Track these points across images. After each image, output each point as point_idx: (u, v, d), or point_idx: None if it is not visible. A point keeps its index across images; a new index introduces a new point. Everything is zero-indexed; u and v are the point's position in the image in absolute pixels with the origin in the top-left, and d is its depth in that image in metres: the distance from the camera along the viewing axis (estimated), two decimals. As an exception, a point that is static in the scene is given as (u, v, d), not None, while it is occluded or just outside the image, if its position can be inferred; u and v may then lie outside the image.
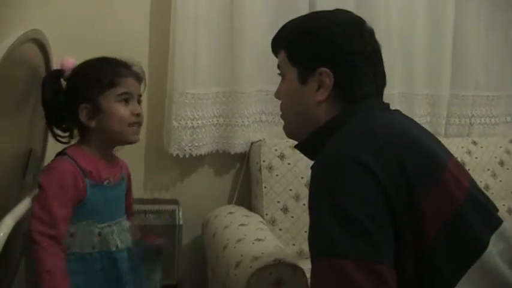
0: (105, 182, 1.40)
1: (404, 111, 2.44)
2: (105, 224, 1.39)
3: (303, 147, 1.31)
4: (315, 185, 1.10)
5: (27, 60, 1.44)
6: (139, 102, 1.44)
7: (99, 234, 1.38)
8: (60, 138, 1.47)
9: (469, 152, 2.44)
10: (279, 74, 1.33)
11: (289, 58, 1.27)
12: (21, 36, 1.25)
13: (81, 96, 1.38)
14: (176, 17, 2.10)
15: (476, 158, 2.45)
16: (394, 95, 2.40)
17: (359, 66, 1.21)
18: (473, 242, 1.07)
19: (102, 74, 1.39)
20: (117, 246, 1.41)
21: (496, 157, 2.48)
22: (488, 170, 2.44)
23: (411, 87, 2.48)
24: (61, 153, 1.40)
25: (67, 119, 1.43)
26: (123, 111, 1.38)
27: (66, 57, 1.45)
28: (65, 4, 2.10)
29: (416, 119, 2.46)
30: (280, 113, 1.33)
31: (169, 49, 2.14)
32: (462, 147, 2.45)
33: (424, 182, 1.06)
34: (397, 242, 1.03)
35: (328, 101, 1.22)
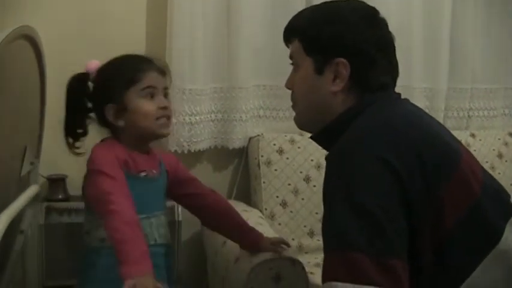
0: (142, 174, 1.38)
1: (403, 104, 2.46)
2: (143, 216, 1.34)
3: (318, 138, 1.29)
4: (331, 177, 1.09)
5: (19, 57, 1.43)
6: (166, 95, 1.41)
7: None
8: (71, 145, 1.44)
9: (468, 145, 2.44)
10: (292, 64, 1.30)
11: (304, 48, 1.25)
12: (12, 33, 1.23)
13: (106, 96, 1.37)
14: (173, 13, 2.10)
15: (474, 150, 2.44)
16: (392, 89, 2.39)
17: (376, 56, 1.21)
18: (490, 230, 1.07)
19: (123, 72, 1.37)
20: (155, 240, 1.37)
21: (494, 150, 2.48)
22: (487, 162, 2.44)
23: (409, 80, 2.47)
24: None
25: (97, 121, 1.42)
26: (148, 106, 1.35)
27: (93, 60, 1.44)
28: (60, 1, 2.09)
29: (415, 112, 2.48)
30: (291, 103, 1.31)
31: (166, 45, 2.13)
32: (460, 140, 2.44)
33: (442, 172, 1.06)
34: (413, 234, 1.02)
35: (344, 92, 1.20)
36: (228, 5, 2.19)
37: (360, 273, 0.95)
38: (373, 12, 1.26)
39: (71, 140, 1.43)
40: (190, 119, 2.16)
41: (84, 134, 1.44)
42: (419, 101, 2.51)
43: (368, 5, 1.27)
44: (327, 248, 1.03)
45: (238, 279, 1.50)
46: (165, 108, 1.38)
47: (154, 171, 1.41)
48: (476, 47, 2.59)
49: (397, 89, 2.44)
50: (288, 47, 1.31)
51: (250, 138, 2.27)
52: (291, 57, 1.30)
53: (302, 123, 1.32)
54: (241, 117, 2.23)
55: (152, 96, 1.37)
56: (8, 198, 1.35)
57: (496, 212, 1.09)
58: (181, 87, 2.13)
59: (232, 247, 1.62)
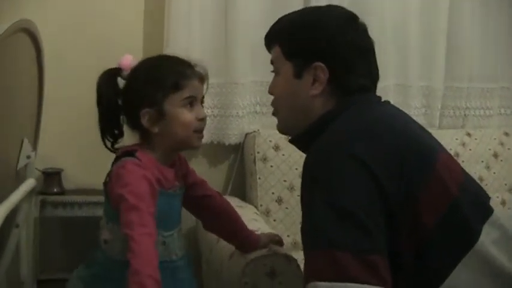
0: (170, 190, 1.30)
1: (399, 103, 2.49)
2: (170, 233, 1.30)
3: (297, 141, 1.31)
4: (308, 178, 1.10)
5: (18, 50, 1.43)
6: (202, 103, 1.32)
7: (164, 243, 1.28)
8: (110, 146, 1.32)
9: (463, 144, 2.45)
10: (273, 71, 1.32)
11: (284, 53, 1.27)
12: (11, 26, 1.23)
13: (143, 99, 1.25)
14: (170, 8, 2.10)
15: (470, 149, 2.45)
16: (388, 87, 2.39)
17: (354, 60, 1.22)
18: (467, 232, 1.08)
19: (167, 75, 1.26)
20: (176, 254, 1.31)
21: (490, 149, 2.49)
22: (482, 161, 2.45)
23: (406, 79, 2.48)
24: (128, 155, 1.25)
25: (127, 122, 1.31)
26: (189, 116, 1.26)
27: (126, 55, 1.32)
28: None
29: (411, 111, 2.49)
30: (272, 109, 1.33)
31: (163, 40, 2.13)
32: (456, 139, 2.45)
33: (419, 174, 1.07)
34: (393, 235, 1.03)
35: (323, 95, 1.22)
36: (226, 1, 2.19)
37: (343, 271, 0.97)
38: (352, 17, 1.27)
39: (108, 143, 1.31)
40: (186, 114, 2.16)
41: (121, 134, 1.32)
42: (416, 100, 2.52)
43: (347, 11, 1.30)
44: (308, 249, 1.04)
45: (232, 275, 1.50)
46: (203, 119, 1.30)
47: (177, 183, 1.34)
48: (473, 46, 2.59)
49: (393, 88, 2.48)
50: (270, 52, 1.33)
51: (246, 134, 2.27)
52: (272, 62, 1.32)
53: (285, 128, 1.33)
54: (237, 113, 2.23)
55: (192, 105, 1.28)
56: (4, 191, 1.35)
57: (474, 214, 1.10)
58: (178, 83, 2.12)
59: (226, 243, 1.62)
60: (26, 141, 1.53)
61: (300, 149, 1.32)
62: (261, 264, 1.45)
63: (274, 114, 1.34)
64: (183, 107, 1.26)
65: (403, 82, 2.48)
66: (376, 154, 1.05)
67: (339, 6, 1.33)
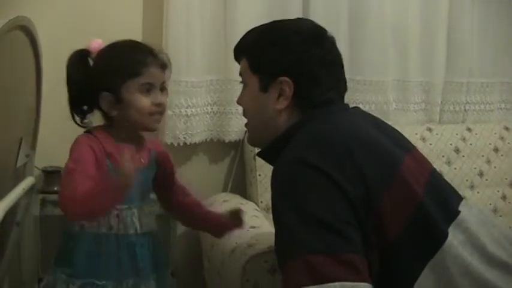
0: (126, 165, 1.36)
1: (399, 98, 2.49)
2: (125, 206, 1.36)
3: (264, 155, 1.34)
4: (276, 190, 1.13)
5: (15, 48, 1.42)
6: (163, 89, 1.39)
7: (117, 215, 1.35)
8: (80, 122, 1.41)
9: (464, 139, 2.44)
10: (241, 82, 1.36)
11: (250, 66, 1.30)
12: (7, 24, 1.23)
13: (103, 84, 1.34)
14: (169, 5, 2.09)
15: (470, 144, 2.45)
16: (388, 82, 2.39)
17: (318, 75, 1.24)
18: (434, 234, 1.09)
19: (126, 63, 1.35)
20: (136, 229, 1.38)
21: (490, 144, 2.48)
22: (483, 156, 2.45)
23: (405, 74, 2.47)
24: (86, 132, 1.37)
25: (88, 103, 1.39)
26: (144, 101, 1.34)
27: (96, 39, 1.40)
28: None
29: (411, 106, 2.49)
30: (246, 121, 1.37)
31: (163, 37, 2.12)
32: (457, 134, 2.45)
33: (380, 182, 1.08)
34: (362, 237, 1.04)
35: (289, 109, 1.25)
36: (225, -2, 2.18)
37: (322, 273, 0.97)
38: (318, 31, 1.30)
39: (78, 118, 1.40)
40: (186, 111, 2.16)
41: (91, 110, 1.41)
42: (416, 95, 2.52)
43: (315, 25, 1.32)
44: (284, 259, 1.05)
45: (234, 271, 1.50)
46: (159, 104, 1.36)
47: (142, 161, 1.40)
48: (473, 41, 2.59)
49: (393, 83, 2.47)
50: (238, 64, 1.36)
51: (246, 131, 2.27)
52: (240, 74, 1.35)
53: (253, 140, 1.39)
54: (237, 110, 2.23)
55: (149, 91, 1.35)
56: (3, 190, 1.35)
57: (440, 215, 1.11)
58: (177, 80, 2.12)
59: (227, 239, 1.62)
60: (24, 139, 1.52)
61: (268, 162, 1.35)
62: (262, 261, 1.46)
63: (245, 125, 1.38)
64: (139, 92, 1.33)
65: (403, 78, 2.47)
66: (335, 163, 1.07)
67: (307, 20, 1.36)
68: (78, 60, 1.39)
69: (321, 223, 1.01)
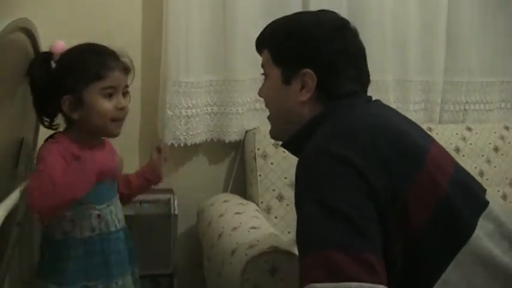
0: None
1: (399, 97, 2.48)
2: (104, 205, 1.39)
3: (288, 146, 1.33)
4: (300, 180, 1.11)
5: (16, 49, 1.43)
6: (125, 93, 1.40)
7: (99, 216, 1.37)
8: (48, 125, 1.43)
9: (464, 138, 2.45)
10: (263, 74, 1.35)
11: (273, 58, 1.29)
12: (9, 25, 1.23)
13: (65, 87, 1.34)
14: (169, 5, 2.09)
15: (470, 144, 2.45)
16: (388, 82, 2.38)
17: (341, 66, 1.24)
18: (460, 226, 1.08)
19: (88, 66, 1.34)
20: (116, 226, 1.41)
21: (490, 143, 2.49)
22: (483, 156, 2.45)
23: (405, 73, 2.47)
24: (50, 137, 1.38)
25: (51, 107, 1.40)
26: (106, 105, 1.35)
27: (58, 40, 1.40)
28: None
29: (411, 106, 2.49)
30: (268, 114, 1.36)
31: (162, 37, 2.12)
32: (457, 134, 2.45)
33: (406, 172, 1.07)
34: (384, 231, 1.03)
35: (312, 101, 1.24)
36: (225, -2, 2.18)
37: (337, 270, 0.96)
38: (341, 23, 1.29)
39: (46, 120, 1.41)
40: (186, 112, 2.16)
41: (56, 113, 1.41)
42: (416, 94, 2.51)
43: (338, 16, 1.31)
44: (303, 253, 1.04)
45: (234, 272, 1.50)
46: (122, 109, 1.37)
47: (116, 159, 1.44)
48: (473, 40, 2.59)
49: (393, 82, 2.47)
50: (260, 55, 1.35)
51: (246, 132, 2.27)
52: (262, 66, 1.34)
53: (276, 134, 1.37)
54: (237, 110, 2.23)
55: (111, 95, 1.35)
56: (4, 190, 1.35)
57: (467, 207, 1.10)
58: (177, 80, 2.12)
59: (228, 240, 1.62)
60: (26, 140, 1.53)
61: (292, 153, 1.34)
62: (262, 261, 1.46)
63: (268, 118, 1.37)
64: (101, 96, 1.34)
65: (403, 77, 2.47)
66: (362, 154, 1.05)
67: (331, 12, 1.34)
68: (41, 63, 1.39)
69: (343, 218, 1.00)
